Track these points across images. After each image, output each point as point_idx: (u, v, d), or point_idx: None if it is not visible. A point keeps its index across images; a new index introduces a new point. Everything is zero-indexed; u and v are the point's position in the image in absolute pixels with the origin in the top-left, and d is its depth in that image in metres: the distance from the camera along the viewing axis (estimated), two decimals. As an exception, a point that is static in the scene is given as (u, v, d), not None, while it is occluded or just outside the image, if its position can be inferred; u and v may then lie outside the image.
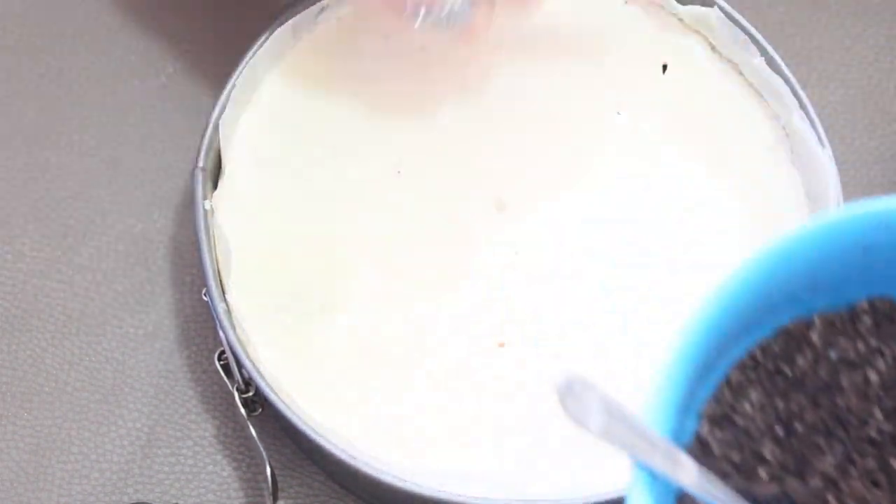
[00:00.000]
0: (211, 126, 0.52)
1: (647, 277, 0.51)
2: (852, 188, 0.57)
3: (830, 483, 0.37)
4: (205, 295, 0.50)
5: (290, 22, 0.54)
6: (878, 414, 0.37)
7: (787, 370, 0.38)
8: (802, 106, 0.53)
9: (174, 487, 0.52)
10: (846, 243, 0.37)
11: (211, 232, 0.51)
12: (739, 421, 0.37)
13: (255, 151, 0.53)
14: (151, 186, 0.58)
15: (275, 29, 0.54)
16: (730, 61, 0.55)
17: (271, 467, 0.49)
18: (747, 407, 0.37)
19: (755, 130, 0.54)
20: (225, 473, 0.52)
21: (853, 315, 0.39)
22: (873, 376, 0.38)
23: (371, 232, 0.52)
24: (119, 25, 0.62)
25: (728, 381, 0.38)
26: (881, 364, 0.38)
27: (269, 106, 0.54)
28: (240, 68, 0.53)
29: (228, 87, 0.53)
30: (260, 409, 0.50)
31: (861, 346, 0.38)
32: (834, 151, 0.52)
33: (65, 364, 0.54)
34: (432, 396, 0.49)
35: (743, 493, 0.35)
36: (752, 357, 0.38)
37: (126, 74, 0.60)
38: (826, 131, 0.53)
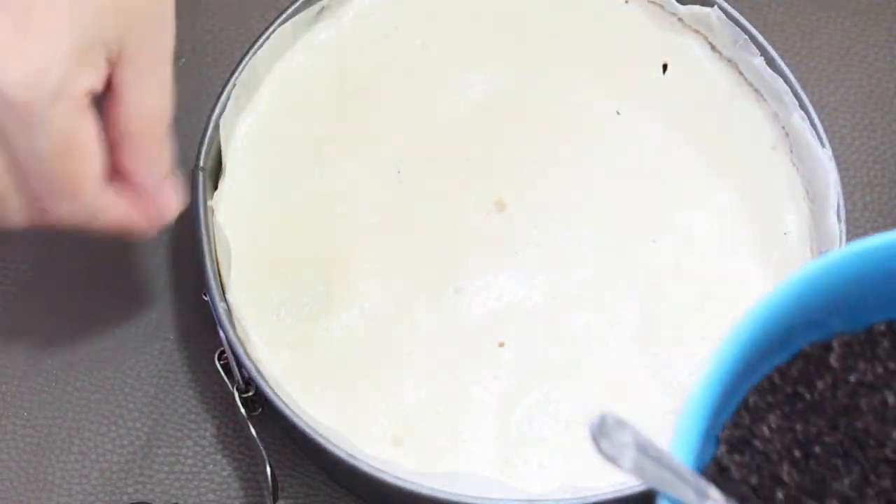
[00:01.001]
0: (211, 126, 0.52)
1: (646, 276, 0.51)
2: (852, 188, 0.57)
3: None
4: (205, 295, 0.50)
5: (289, 22, 0.54)
6: (894, 434, 0.38)
7: (805, 393, 0.38)
8: (802, 106, 0.53)
9: (174, 487, 0.52)
10: (870, 271, 0.37)
11: (211, 232, 0.51)
12: (758, 444, 0.37)
13: (255, 151, 0.53)
14: (151, 186, 0.58)
15: (275, 29, 0.54)
16: (730, 61, 0.55)
17: (271, 467, 0.49)
18: (765, 430, 0.38)
19: (755, 130, 0.54)
20: (225, 473, 0.52)
21: (871, 337, 0.39)
22: (891, 398, 0.38)
23: (371, 232, 0.52)
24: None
25: (746, 405, 0.38)
26: None
27: (270, 106, 0.54)
28: (240, 68, 0.53)
29: (228, 87, 0.53)
30: (260, 409, 0.50)
31: (879, 368, 0.39)
32: (834, 151, 0.52)
33: (65, 364, 0.54)
34: (432, 396, 0.49)
35: None
36: (770, 381, 0.38)
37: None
38: (826, 131, 0.53)
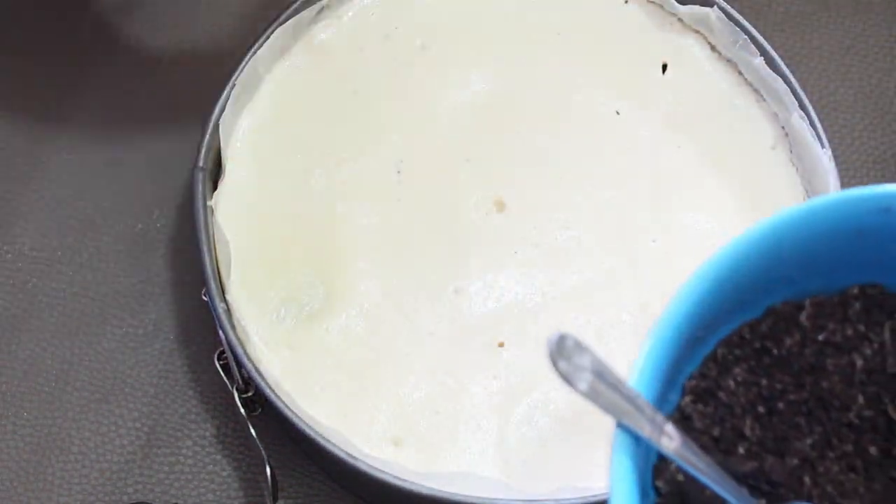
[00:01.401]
0: (211, 126, 0.52)
1: (646, 276, 0.51)
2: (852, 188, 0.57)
3: (807, 464, 0.37)
4: (205, 295, 0.50)
5: (290, 22, 0.54)
6: (861, 399, 0.38)
7: (773, 349, 0.38)
8: (802, 106, 0.53)
9: (174, 487, 0.52)
10: (841, 226, 0.37)
11: (211, 232, 0.51)
12: (723, 397, 0.37)
13: (255, 151, 0.53)
14: (151, 186, 0.58)
15: (275, 29, 0.54)
16: (729, 61, 0.55)
17: (271, 467, 0.49)
18: (731, 383, 0.38)
19: (755, 130, 0.54)
20: (225, 473, 0.52)
21: (843, 300, 0.39)
22: (859, 361, 0.38)
23: (371, 232, 0.52)
24: (118, 26, 0.62)
25: (714, 357, 0.38)
26: (867, 350, 0.38)
27: (269, 106, 0.54)
28: (240, 68, 0.53)
29: (228, 87, 0.53)
30: (260, 409, 0.50)
31: (849, 330, 0.38)
32: (834, 151, 0.52)
33: (65, 364, 0.54)
34: (432, 396, 0.49)
35: (721, 467, 0.36)
36: (740, 335, 0.38)
37: (126, 74, 0.60)
38: (826, 131, 0.53)
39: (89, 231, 0.57)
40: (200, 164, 0.51)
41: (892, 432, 0.37)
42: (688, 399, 0.37)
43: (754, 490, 0.36)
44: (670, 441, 0.34)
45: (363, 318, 0.50)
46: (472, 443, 0.48)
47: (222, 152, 0.53)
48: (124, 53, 0.61)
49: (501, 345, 0.50)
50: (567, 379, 0.32)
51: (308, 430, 0.47)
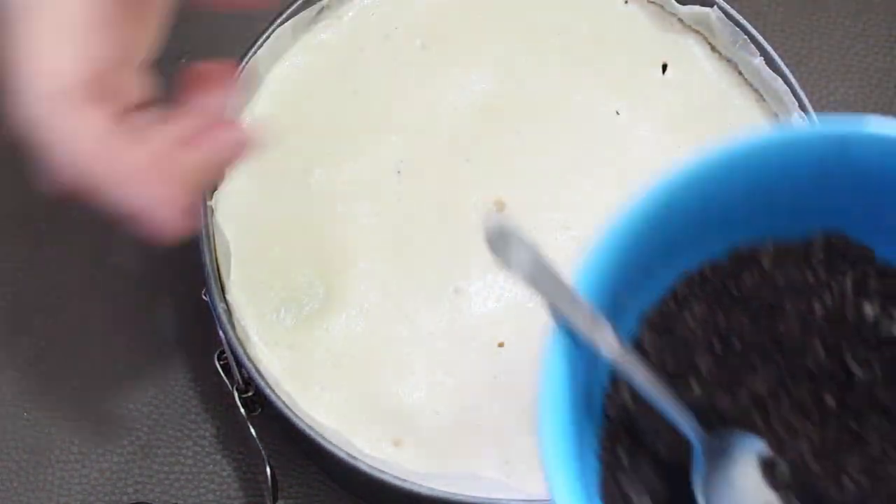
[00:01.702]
0: (211, 126, 0.52)
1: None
2: (852, 188, 0.57)
3: (760, 404, 0.37)
4: (205, 295, 0.50)
5: (289, 22, 0.54)
6: (819, 347, 0.38)
7: (733, 290, 0.38)
8: (802, 106, 0.53)
9: (174, 487, 0.52)
10: (801, 162, 0.36)
11: (211, 232, 0.51)
12: (679, 331, 0.37)
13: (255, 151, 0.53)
14: (151, 186, 0.58)
15: (275, 29, 0.54)
16: (729, 61, 0.55)
17: (271, 467, 0.49)
18: (689, 319, 0.38)
19: (755, 130, 0.54)
20: (225, 473, 0.52)
21: (807, 246, 0.38)
22: (818, 307, 0.38)
23: (371, 232, 0.52)
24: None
25: (674, 295, 0.38)
26: (828, 298, 0.38)
27: (269, 106, 0.54)
28: (240, 68, 0.53)
29: (228, 87, 0.53)
30: (260, 409, 0.50)
31: (810, 276, 0.38)
32: (834, 151, 0.52)
33: (65, 364, 0.54)
34: (432, 396, 0.49)
35: (670, 395, 0.36)
36: (702, 274, 0.38)
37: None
38: (826, 131, 0.53)
39: (89, 231, 0.57)
40: (200, 164, 0.51)
41: (850, 384, 0.37)
42: (644, 330, 0.37)
43: (705, 425, 0.36)
44: (606, 339, 0.34)
45: (363, 318, 0.50)
46: (472, 443, 0.48)
47: (222, 152, 0.53)
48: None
49: (501, 345, 0.50)
50: (504, 261, 0.32)
51: (308, 430, 0.47)
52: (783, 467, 0.36)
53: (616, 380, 0.36)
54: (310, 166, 0.53)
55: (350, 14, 0.56)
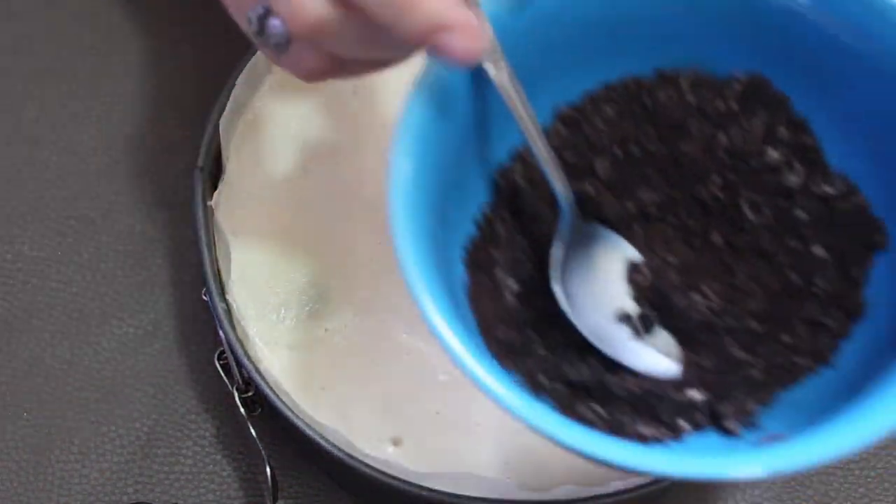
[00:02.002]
0: (211, 126, 0.52)
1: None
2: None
3: (644, 215, 0.38)
4: (205, 295, 0.50)
5: (290, 22, 0.54)
6: (717, 179, 0.39)
7: (647, 100, 0.39)
8: (802, 106, 0.53)
9: (174, 487, 0.52)
10: None
11: (211, 232, 0.51)
12: (587, 130, 0.39)
13: (255, 151, 0.53)
14: (151, 186, 0.58)
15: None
16: (730, 61, 0.55)
17: (271, 467, 0.49)
18: (598, 121, 0.39)
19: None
20: (225, 473, 0.52)
21: (728, 80, 0.39)
22: (723, 138, 0.39)
23: (371, 231, 0.52)
24: (118, 25, 0.62)
25: (592, 96, 0.39)
26: (735, 132, 0.39)
27: (270, 106, 0.54)
28: (240, 68, 0.53)
29: (228, 86, 0.53)
30: (260, 409, 0.50)
31: (721, 105, 0.39)
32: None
33: (65, 364, 0.54)
34: (432, 396, 0.49)
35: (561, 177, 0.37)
36: (625, 84, 0.39)
37: (126, 75, 0.60)
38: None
39: (89, 231, 0.57)
40: (200, 164, 0.51)
41: (740, 227, 0.38)
42: (555, 122, 0.39)
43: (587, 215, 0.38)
44: (494, 64, 0.35)
45: (363, 317, 0.50)
46: (472, 443, 0.48)
47: (222, 152, 0.53)
48: (124, 54, 0.61)
49: (501, 345, 0.50)
50: None
51: (308, 430, 0.47)
52: (646, 271, 0.38)
53: (517, 156, 0.38)
54: (310, 166, 0.53)
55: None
